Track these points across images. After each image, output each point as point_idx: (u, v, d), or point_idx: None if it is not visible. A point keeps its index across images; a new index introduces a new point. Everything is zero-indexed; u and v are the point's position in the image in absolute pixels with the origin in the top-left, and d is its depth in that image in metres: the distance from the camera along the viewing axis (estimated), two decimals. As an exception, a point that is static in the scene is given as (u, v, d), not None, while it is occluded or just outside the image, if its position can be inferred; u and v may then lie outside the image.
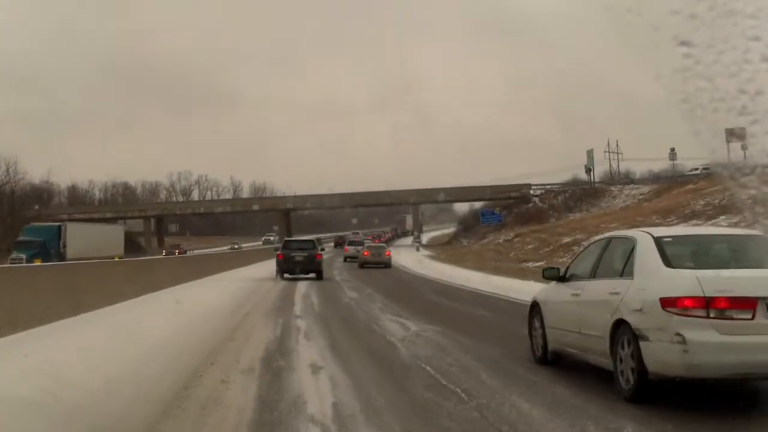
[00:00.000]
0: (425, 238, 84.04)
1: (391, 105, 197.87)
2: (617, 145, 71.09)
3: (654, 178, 71.62)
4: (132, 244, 79.50)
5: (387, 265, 37.88)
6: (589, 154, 67.49)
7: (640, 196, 59.51)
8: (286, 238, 31.95)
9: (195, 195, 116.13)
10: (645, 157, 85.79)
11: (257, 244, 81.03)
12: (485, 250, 52.92)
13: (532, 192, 69.52)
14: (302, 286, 22.88)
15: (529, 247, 44.37)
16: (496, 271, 30.47)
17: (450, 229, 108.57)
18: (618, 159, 71.31)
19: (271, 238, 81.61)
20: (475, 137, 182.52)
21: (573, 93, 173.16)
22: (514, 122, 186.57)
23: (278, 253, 27.58)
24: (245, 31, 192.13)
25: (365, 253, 38.57)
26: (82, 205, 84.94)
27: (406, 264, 40.83)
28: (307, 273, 26.08)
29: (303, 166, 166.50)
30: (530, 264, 38.48)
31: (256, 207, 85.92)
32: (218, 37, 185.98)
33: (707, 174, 60.57)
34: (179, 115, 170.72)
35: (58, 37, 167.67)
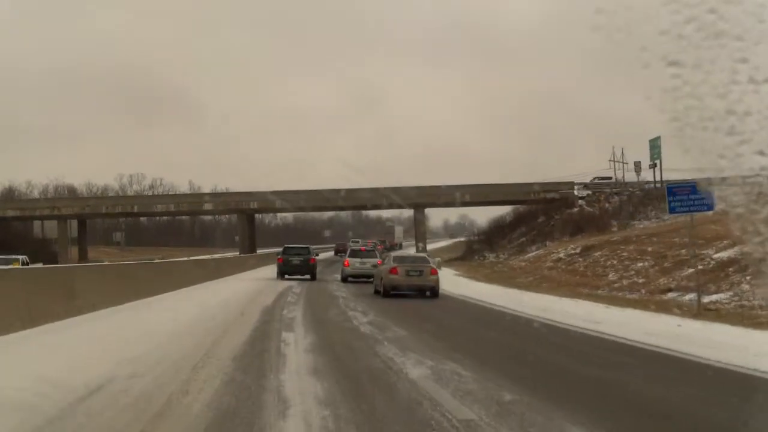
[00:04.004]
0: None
1: (362, 118, 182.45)
2: (622, 153, 59.29)
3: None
4: (45, 254, 60.98)
5: (433, 292, 20.99)
6: (655, 143, 50.68)
7: (740, 198, 43.39)
8: (286, 245, 33.44)
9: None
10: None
11: (203, 257, 48.43)
12: (544, 268, 35.88)
13: (576, 193, 52.74)
14: None
15: (641, 264, 27.50)
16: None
17: (442, 243, 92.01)
18: (623, 169, 58.43)
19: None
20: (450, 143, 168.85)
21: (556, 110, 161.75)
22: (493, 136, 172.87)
23: (278, 257, 32.23)
24: (206, 41, 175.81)
25: (393, 271, 21.10)
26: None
27: (469, 293, 23.77)
28: (303, 274, 30.58)
29: (269, 177, 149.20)
30: (689, 296, 21.59)
31: (208, 206, 62.38)
32: (179, 46, 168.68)
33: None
34: (137, 122, 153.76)
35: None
